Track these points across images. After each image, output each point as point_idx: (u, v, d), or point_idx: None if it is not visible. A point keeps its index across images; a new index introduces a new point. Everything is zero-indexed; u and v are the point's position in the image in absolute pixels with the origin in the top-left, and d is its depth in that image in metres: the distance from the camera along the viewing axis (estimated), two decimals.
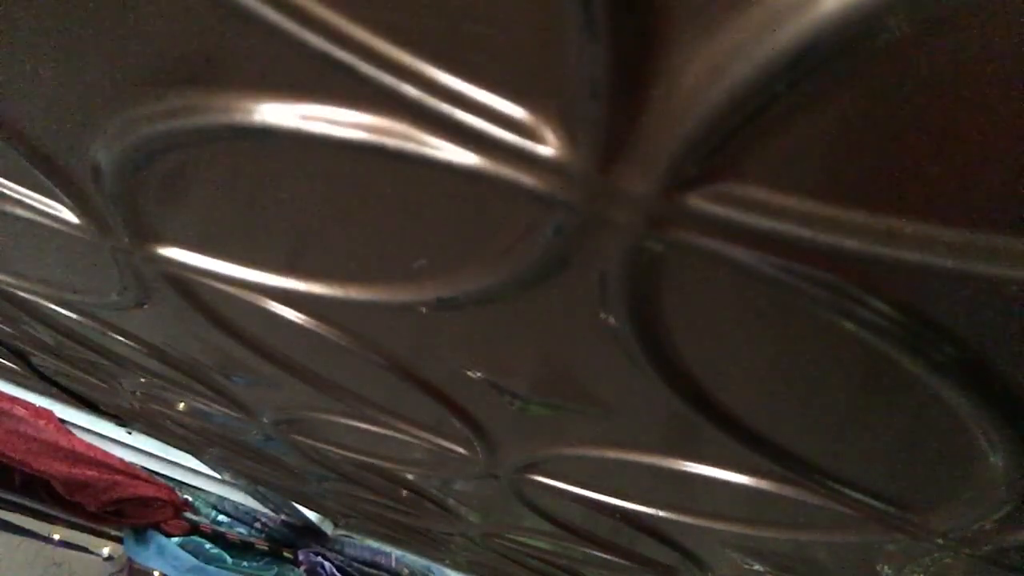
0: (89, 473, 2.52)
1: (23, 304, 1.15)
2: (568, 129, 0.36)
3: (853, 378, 0.48)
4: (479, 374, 0.66)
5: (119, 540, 2.89)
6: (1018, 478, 0.51)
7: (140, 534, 2.79)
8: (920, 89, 0.29)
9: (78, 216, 0.70)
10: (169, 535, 2.81)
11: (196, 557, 2.79)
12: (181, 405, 1.53)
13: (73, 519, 2.72)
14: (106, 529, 2.86)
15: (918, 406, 0.48)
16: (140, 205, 0.64)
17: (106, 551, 3.03)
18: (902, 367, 0.44)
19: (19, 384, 2.48)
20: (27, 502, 2.60)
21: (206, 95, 0.46)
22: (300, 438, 1.31)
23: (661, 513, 0.84)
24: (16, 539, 2.64)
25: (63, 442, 2.49)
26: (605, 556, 1.13)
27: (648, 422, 0.64)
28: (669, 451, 0.68)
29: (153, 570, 2.77)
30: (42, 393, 2.48)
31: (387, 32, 0.35)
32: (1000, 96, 0.28)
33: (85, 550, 2.97)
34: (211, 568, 2.78)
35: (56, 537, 2.79)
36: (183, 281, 0.74)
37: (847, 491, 0.60)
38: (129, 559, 2.85)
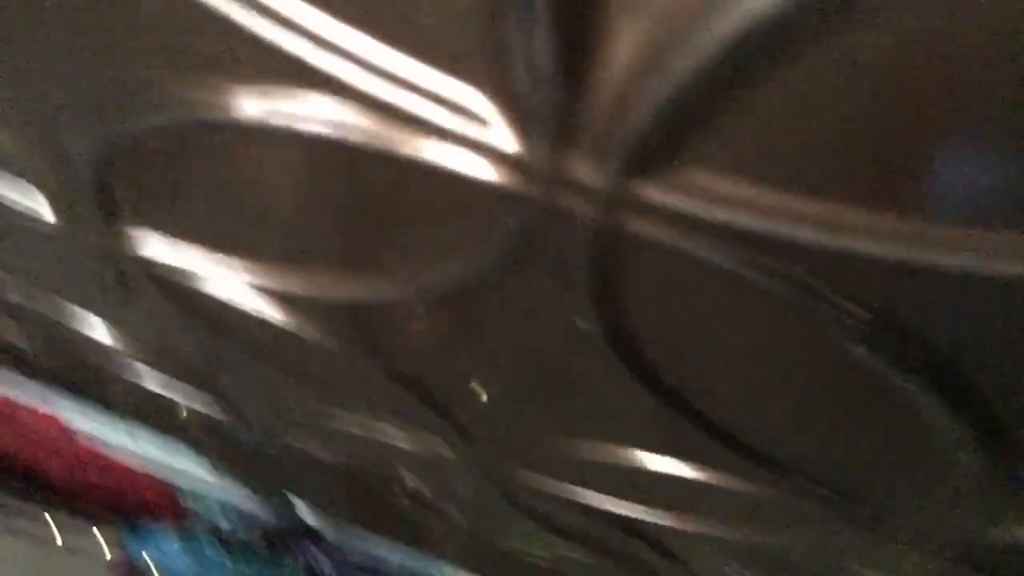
0: (90, 475, 2.53)
1: (15, 304, 1.16)
2: (517, 116, 0.35)
3: (823, 376, 0.47)
4: (453, 371, 0.66)
5: (119, 540, 2.90)
6: (994, 481, 0.50)
7: (140, 534, 2.79)
8: (875, 70, 0.28)
9: (55, 215, 0.70)
10: (169, 536, 2.81)
11: (196, 558, 2.79)
12: (179, 406, 1.53)
13: (73, 520, 2.73)
14: (106, 529, 2.87)
15: (893, 406, 0.47)
16: (117, 203, 0.64)
17: (106, 551, 3.04)
18: (874, 366, 0.43)
19: (19, 384, 2.49)
20: (27, 503, 2.60)
21: (171, 90, 0.45)
22: (291, 438, 1.30)
23: (640, 512, 0.83)
24: (16, 539, 2.65)
25: (64, 445, 2.49)
26: (586, 555, 1.12)
27: (623, 419, 0.63)
28: (644, 447, 0.67)
29: (153, 570, 2.78)
30: (42, 393, 2.48)
31: (331, 13, 0.35)
32: (958, 75, 0.27)
33: (85, 550, 2.98)
34: (211, 569, 2.79)
35: (56, 537, 2.80)
36: (165, 280, 0.74)
37: (821, 491, 0.59)
38: (129, 559, 2.85)
